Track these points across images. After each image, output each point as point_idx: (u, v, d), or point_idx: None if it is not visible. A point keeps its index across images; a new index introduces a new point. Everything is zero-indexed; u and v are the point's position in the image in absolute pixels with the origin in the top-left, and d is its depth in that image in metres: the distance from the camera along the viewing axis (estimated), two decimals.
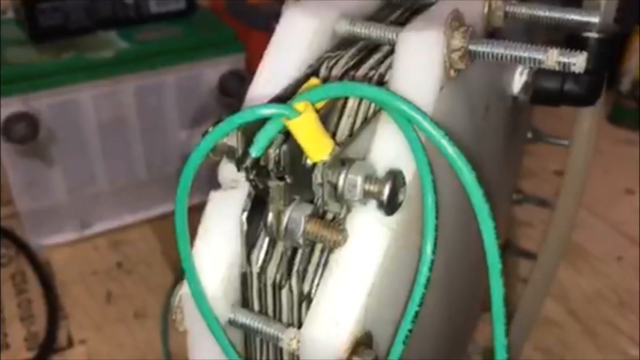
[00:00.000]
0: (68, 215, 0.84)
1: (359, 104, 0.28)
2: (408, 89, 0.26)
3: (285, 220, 0.26)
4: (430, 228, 0.24)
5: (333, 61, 0.30)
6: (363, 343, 0.26)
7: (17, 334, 0.74)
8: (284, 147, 0.25)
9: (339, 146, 0.26)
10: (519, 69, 0.41)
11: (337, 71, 0.30)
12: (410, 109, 0.24)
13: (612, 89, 1.11)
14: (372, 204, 0.26)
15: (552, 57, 0.26)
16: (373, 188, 0.25)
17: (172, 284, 0.81)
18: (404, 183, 0.26)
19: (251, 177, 0.26)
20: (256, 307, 0.29)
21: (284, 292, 0.28)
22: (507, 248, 0.65)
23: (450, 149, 0.24)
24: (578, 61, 0.26)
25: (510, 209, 0.68)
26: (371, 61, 0.30)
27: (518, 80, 0.41)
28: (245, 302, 0.29)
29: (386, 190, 0.25)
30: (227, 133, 0.26)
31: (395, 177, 0.25)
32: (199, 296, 0.28)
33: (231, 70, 0.84)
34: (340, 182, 0.25)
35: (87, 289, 0.80)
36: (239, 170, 0.26)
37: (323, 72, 0.30)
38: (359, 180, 0.25)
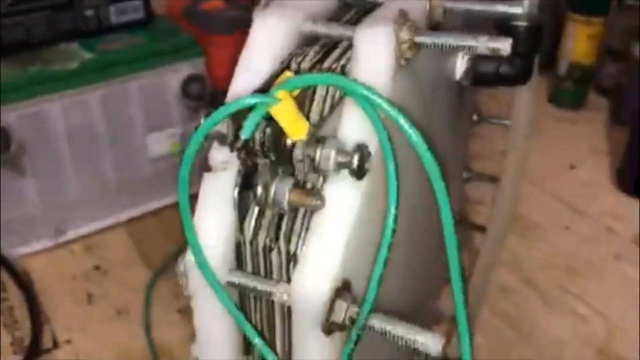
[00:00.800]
0: (42, 224, 0.86)
1: (327, 92, 0.33)
2: (367, 77, 0.32)
3: (272, 191, 0.31)
4: (393, 188, 0.30)
5: (301, 57, 0.35)
6: (344, 289, 0.32)
7: (3, 339, 0.77)
8: (268, 130, 0.30)
9: (314, 127, 0.31)
10: (460, 56, 0.47)
11: (305, 65, 0.35)
12: (370, 93, 0.29)
13: (552, 72, 1.19)
14: (344, 173, 0.31)
15: (483, 43, 0.32)
16: (344, 159, 0.30)
17: (171, 258, 0.85)
18: (369, 154, 0.31)
19: (242, 156, 0.30)
20: (249, 269, 0.34)
21: (274, 254, 0.33)
22: (461, 224, 0.71)
23: (405, 123, 0.29)
24: (504, 46, 0.32)
25: (462, 189, 0.74)
26: (333, 55, 0.35)
27: (460, 66, 0.47)
28: (239, 266, 0.34)
29: (355, 160, 0.30)
30: (218, 121, 0.30)
31: (362, 149, 0.31)
32: (202, 263, 0.33)
33: (192, 75, 0.88)
34: (317, 156, 0.31)
35: (67, 293, 0.83)
36: (232, 151, 0.31)
37: (293, 66, 0.35)
38: (333, 153, 0.30)
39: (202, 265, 0.33)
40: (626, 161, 0.98)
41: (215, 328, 0.36)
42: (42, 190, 0.84)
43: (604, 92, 1.20)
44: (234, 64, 1.06)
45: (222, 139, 0.32)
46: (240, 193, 0.33)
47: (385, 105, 0.29)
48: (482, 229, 0.70)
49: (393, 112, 0.29)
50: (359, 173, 0.31)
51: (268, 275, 0.34)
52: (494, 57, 0.50)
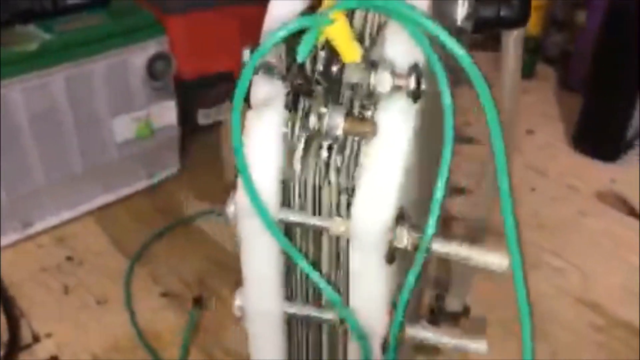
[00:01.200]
0: (8, 217, 0.82)
1: (365, 15, 0.33)
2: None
3: (325, 120, 0.31)
4: (448, 109, 0.30)
5: None
6: (402, 215, 0.32)
7: None
8: (322, 54, 0.29)
9: (365, 50, 0.31)
10: (460, 2, 0.48)
11: None
12: (420, 17, 0.29)
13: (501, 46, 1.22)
14: (396, 97, 0.31)
15: None
16: (401, 81, 0.30)
17: (147, 244, 0.82)
18: (422, 74, 0.31)
19: (298, 81, 0.30)
20: (297, 206, 0.33)
21: (324, 188, 0.33)
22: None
23: (458, 48, 0.29)
24: None
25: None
26: None
27: (461, 12, 0.48)
28: (285, 204, 0.33)
29: (412, 81, 0.30)
30: (274, 45, 0.29)
31: (417, 70, 0.30)
32: (256, 201, 0.32)
33: (157, 54, 0.85)
34: (372, 79, 0.30)
35: (40, 286, 0.79)
36: (285, 80, 0.30)
37: None
38: (388, 75, 0.30)
39: (256, 203, 0.32)
40: (581, 123, 1.02)
41: (264, 273, 0.35)
42: (5, 180, 0.80)
43: (551, 61, 1.25)
44: (190, 45, 1.03)
45: (268, 69, 0.31)
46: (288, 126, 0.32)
47: (436, 29, 0.29)
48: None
49: (443, 35, 0.29)
50: (415, 95, 0.31)
51: (316, 210, 0.33)
52: (494, 1, 0.51)
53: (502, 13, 0.48)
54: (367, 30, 0.32)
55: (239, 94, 0.30)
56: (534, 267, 0.85)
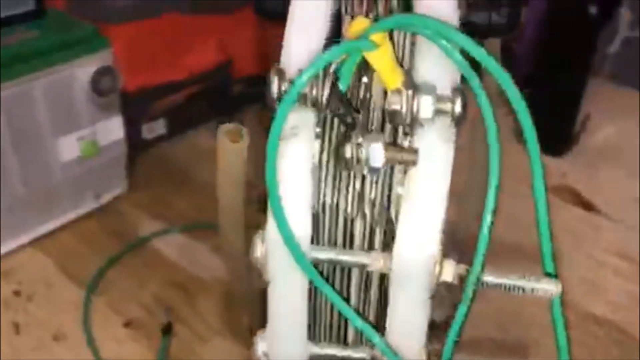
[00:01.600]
0: None
1: (404, 37, 0.30)
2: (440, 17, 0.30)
3: (364, 151, 0.28)
4: (492, 131, 0.28)
5: (349, 6, 0.32)
6: (447, 246, 0.30)
7: None
8: (364, 80, 0.27)
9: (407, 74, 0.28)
10: None
11: (358, 11, 0.32)
12: (463, 38, 0.27)
13: None
14: (434, 124, 0.29)
15: None
16: (444, 105, 0.28)
17: (102, 271, 0.76)
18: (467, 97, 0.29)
19: (341, 110, 0.27)
20: (326, 241, 0.31)
21: (357, 221, 0.30)
22: None
23: (496, 67, 0.27)
24: None
25: None
26: (380, 2, 0.33)
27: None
28: (313, 240, 0.31)
29: (458, 105, 0.28)
30: (318, 72, 0.27)
31: (462, 92, 0.29)
32: (289, 239, 0.29)
33: (102, 68, 0.80)
34: (415, 105, 0.28)
35: None
36: (328, 107, 0.27)
37: (344, 16, 0.32)
38: (431, 99, 0.28)
39: (289, 241, 0.29)
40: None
41: (292, 312, 0.32)
42: None
43: None
44: (132, 56, 0.98)
45: (303, 99, 0.28)
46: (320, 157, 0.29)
47: (479, 51, 0.28)
48: None
49: (485, 57, 0.27)
50: (460, 119, 0.29)
51: (347, 244, 0.31)
52: (485, 8, 0.50)
53: (493, 19, 0.47)
54: (398, 51, 0.30)
55: (276, 128, 0.27)
56: (517, 229, 0.85)
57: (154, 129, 0.98)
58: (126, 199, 0.91)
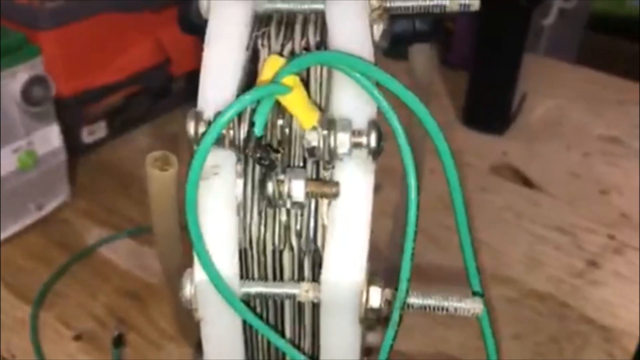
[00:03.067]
0: None
1: (321, 71, 0.31)
2: (352, 51, 0.30)
3: (286, 187, 0.29)
4: (409, 160, 0.29)
5: (264, 38, 0.32)
6: (373, 272, 0.31)
7: None
8: (280, 122, 0.27)
9: (322, 111, 0.29)
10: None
11: (275, 47, 0.32)
12: (376, 71, 0.28)
13: None
14: (353, 156, 0.30)
15: (454, 1, 0.32)
16: (360, 139, 0.29)
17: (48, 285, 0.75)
18: (382, 130, 0.30)
19: (258, 155, 0.27)
20: (256, 275, 0.31)
21: (285, 253, 0.31)
22: None
23: (418, 103, 0.28)
24: (475, 2, 0.32)
25: None
26: (297, 32, 0.33)
27: (376, 31, 0.47)
28: (242, 275, 0.31)
29: (373, 138, 0.29)
30: (229, 122, 0.27)
31: (377, 126, 0.29)
32: (216, 279, 0.29)
33: (32, 78, 0.78)
34: (332, 141, 0.29)
35: None
36: (245, 152, 0.28)
37: (261, 50, 0.32)
38: (348, 135, 0.29)
39: (217, 281, 0.29)
40: (469, 99, 1.06)
41: (227, 353, 0.32)
42: None
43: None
44: (65, 60, 0.96)
45: (219, 141, 0.28)
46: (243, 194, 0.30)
47: (393, 83, 0.28)
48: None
49: (403, 91, 0.28)
50: (376, 152, 0.29)
51: (277, 277, 0.31)
52: (406, 16, 0.51)
53: (417, 27, 0.48)
54: (314, 85, 0.31)
55: (194, 169, 0.27)
56: (445, 249, 0.87)
57: (94, 132, 0.97)
58: (70, 207, 0.90)
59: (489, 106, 1.06)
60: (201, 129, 0.29)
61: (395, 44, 0.49)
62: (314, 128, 0.29)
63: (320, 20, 0.33)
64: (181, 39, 1.00)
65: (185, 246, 0.42)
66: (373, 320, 0.29)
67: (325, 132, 0.28)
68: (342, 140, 0.29)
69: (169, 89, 1.00)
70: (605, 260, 0.86)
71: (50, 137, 0.85)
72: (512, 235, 0.90)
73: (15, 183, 0.82)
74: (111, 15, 0.92)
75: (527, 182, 0.98)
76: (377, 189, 0.51)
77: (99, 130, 0.96)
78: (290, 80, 0.28)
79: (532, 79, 1.12)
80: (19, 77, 0.77)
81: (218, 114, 0.27)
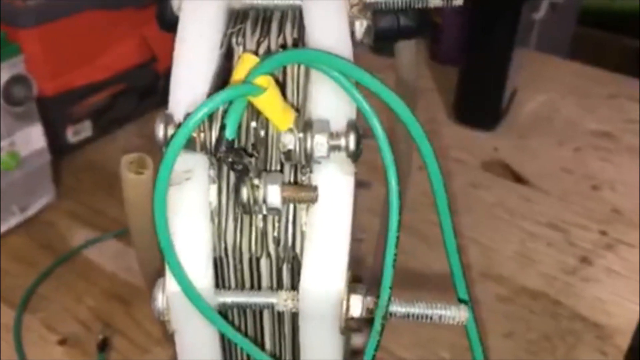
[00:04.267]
0: None
1: (298, 70, 0.29)
2: (329, 48, 0.29)
3: (262, 192, 0.28)
4: (390, 162, 0.27)
5: (239, 36, 0.31)
6: (354, 280, 0.29)
7: None
8: (253, 124, 0.26)
9: (299, 112, 0.28)
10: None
11: (250, 44, 0.31)
12: (355, 70, 0.27)
13: None
14: (331, 159, 0.28)
15: None
16: (339, 141, 0.28)
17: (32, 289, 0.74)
18: (360, 132, 0.28)
19: (230, 159, 0.26)
20: (232, 284, 0.30)
21: (262, 261, 0.30)
22: None
23: (400, 103, 0.27)
24: None
25: None
26: (273, 29, 0.32)
27: (359, 26, 0.45)
28: (218, 284, 0.30)
29: (352, 141, 0.28)
30: (199, 124, 0.26)
31: (355, 128, 0.28)
32: (188, 289, 0.28)
33: (13, 77, 0.77)
34: (309, 144, 0.27)
35: None
36: (216, 156, 0.26)
37: (235, 48, 0.31)
38: (325, 138, 0.27)
39: (190, 292, 0.28)
40: (459, 95, 1.05)
41: None
42: None
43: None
44: (48, 58, 0.95)
45: (190, 145, 0.27)
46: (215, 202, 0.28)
47: (375, 82, 0.27)
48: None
49: (384, 90, 0.27)
50: (355, 155, 0.28)
51: (255, 286, 0.30)
52: (390, 12, 0.49)
53: (402, 23, 0.47)
54: (291, 85, 0.29)
55: (162, 177, 0.26)
56: (436, 247, 0.86)
57: (80, 131, 0.95)
58: (55, 209, 0.89)
59: (479, 102, 1.05)
60: (170, 132, 0.27)
61: (379, 40, 0.48)
62: (290, 130, 0.27)
63: (298, 17, 0.32)
64: (167, 36, 0.99)
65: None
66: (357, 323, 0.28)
67: (301, 134, 0.27)
68: (320, 143, 0.27)
69: (156, 87, 0.99)
70: (598, 256, 0.85)
71: (33, 138, 0.83)
72: (504, 232, 0.89)
73: None
74: (95, 12, 0.90)
75: (518, 178, 0.97)
76: (367, 186, 0.50)
77: (84, 129, 0.95)
78: (264, 80, 0.26)
79: (523, 74, 1.10)
80: None
81: (188, 116, 0.26)
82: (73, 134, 0.94)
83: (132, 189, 0.36)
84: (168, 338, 0.72)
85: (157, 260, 0.39)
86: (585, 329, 0.75)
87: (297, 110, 0.28)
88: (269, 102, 0.26)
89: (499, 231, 0.90)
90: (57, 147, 0.90)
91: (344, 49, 0.29)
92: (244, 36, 0.31)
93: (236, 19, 0.32)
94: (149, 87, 0.99)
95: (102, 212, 0.89)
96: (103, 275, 0.80)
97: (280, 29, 0.32)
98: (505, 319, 0.78)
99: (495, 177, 0.98)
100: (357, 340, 0.48)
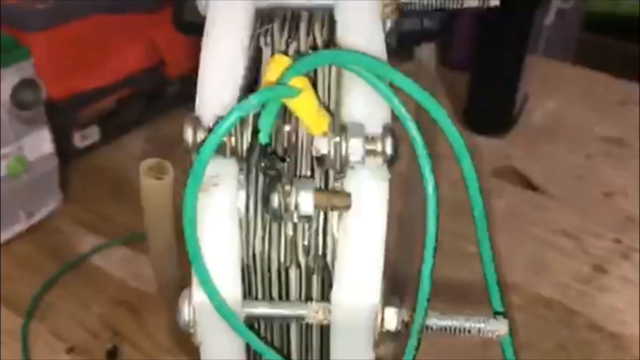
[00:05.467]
0: None
1: (329, 72, 0.28)
2: (363, 49, 0.28)
3: (293, 199, 0.26)
4: (429, 173, 0.26)
5: (267, 36, 0.30)
6: (389, 292, 0.28)
7: None
8: (287, 128, 0.25)
9: (332, 115, 0.26)
10: None
11: (279, 45, 0.30)
12: (392, 73, 0.26)
13: None
14: (366, 164, 0.27)
15: None
16: (375, 146, 0.26)
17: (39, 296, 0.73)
18: (398, 136, 0.27)
19: (263, 164, 0.25)
20: (260, 295, 0.29)
21: (292, 270, 0.28)
22: None
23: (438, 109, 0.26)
24: None
25: None
26: (302, 30, 0.31)
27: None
28: (245, 294, 0.29)
29: (389, 145, 0.26)
30: (232, 127, 0.24)
31: (392, 132, 0.27)
32: (216, 299, 0.27)
33: (22, 81, 0.75)
34: (344, 149, 0.26)
35: None
36: (249, 161, 0.25)
37: (263, 48, 0.30)
38: (361, 142, 0.26)
39: (218, 303, 0.27)
40: (471, 101, 1.04)
41: None
42: None
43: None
44: (56, 62, 0.94)
45: (219, 149, 0.26)
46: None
47: (411, 86, 0.26)
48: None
49: (421, 93, 0.26)
50: (392, 160, 0.27)
51: (283, 296, 0.29)
52: (414, 14, 0.48)
53: (425, 25, 0.46)
54: (323, 86, 0.28)
55: (192, 185, 0.24)
56: (450, 255, 0.84)
57: (87, 136, 0.94)
58: (62, 214, 0.87)
59: (491, 108, 1.04)
60: (200, 136, 0.26)
61: (403, 42, 0.47)
62: (324, 134, 0.26)
63: (327, 17, 0.31)
64: (175, 39, 0.98)
65: (181, 256, 0.39)
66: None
67: (336, 138, 0.26)
68: (355, 147, 0.26)
69: (164, 92, 0.98)
70: (612, 265, 0.84)
71: (41, 143, 0.82)
72: (517, 240, 0.88)
73: (5, 190, 0.79)
74: (103, 16, 0.89)
75: (530, 185, 0.96)
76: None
77: (92, 134, 0.94)
78: (299, 81, 0.25)
79: (533, 80, 1.09)
80: (8, 80, 0.74)
81: (219, 120, 0.25)
82: (80, 139, 0.93)
83: (151, 195, 0.35)
84: (178, 347, 0.71)
85: (174, 267, 0.38)
86: (602, 340, 0.74)
87: (330, 112, 0.27)
88: (304, 105, 0.25)
89: (512, 239, 0.89)
90: (64, 152, 0.89)
91: (379, 50, 0.28)
92: (272, 36, 0.30)
93: (263, 19, 0.31)
94: (157, 91, 0.98)
95: (109, 218, 0.87)
96: (111, 282, 0.79)
97: (309, 29, 0.31)
98: (520, 328, 0.77)
99: (507, 184, 0.97)
100: (381, 351, 0.47)
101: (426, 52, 0.50)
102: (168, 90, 0.99)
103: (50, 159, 0.84)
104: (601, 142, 1.06)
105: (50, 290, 0.77)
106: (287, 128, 0.26)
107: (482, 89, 1.03)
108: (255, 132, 0.25)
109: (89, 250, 0.82)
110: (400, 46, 0.49)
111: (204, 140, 0.25)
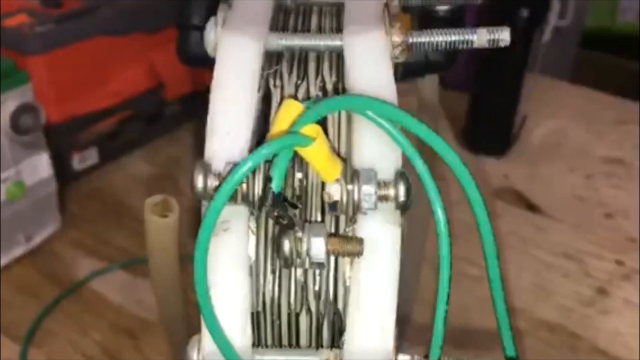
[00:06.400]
0: None
1: (339, 116, 0.28)
2: (373, 92, 0.27)
3: (305, 245, 0.26)
4: (442, 217, 0.26)
5: (276, 78, 0.30)
6: (399, 338, 0.28)
7: None
8: (299, 175, 0.25)
9: (344, 161, 0.26)
10: None
11: (288, 87, 0.29)
12: (405, 118, 0.25)
13: None
14: (378, 209, 0.27)
15: (482, 36, 0.29)
16: (387, 192, 0.26)
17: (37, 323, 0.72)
18: (410, 182, 0.27)
19: (276, 213, 0.25)
20: (269, 342, 0.28)
21: (302, 317, 0.28)
22: None
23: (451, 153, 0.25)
24: (505, 35, 0.29)
25: None
26: (311, 71, 0.30)
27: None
28: (254, 342, 0.28)
29: (402, 191, 0.26)
30: (243, 178, 0.24)
31: (405, 177, 0.26)
32: (228, 351, 0.26)
33: (21, 106, 0.75)
34: (356, 195, 0.26)
35: None
36: (261, 209, 0.25)
37: (273, 90, 0.29)
38: (373, 188, 0.26)
39: (228, 352, 0.26)
40: (470, 121, 1.04)
41: None
42: None
43: None
44: (56, 85, 0.93)
45: (233, 196, 0.26)
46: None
47: (427, 132, 0.25)
48: None
49: (435, 139, 0.25)
50: (405, 206, 0.27)
51: (293, 344, 0.28)
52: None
53: (431, 57, 0.45)
54: (332, 130, 0.28)
55: (204, 234, 0.24)
56: (453, 279, 0.84)
57: (86, 158, 0.94)
58: (60, 238, 0.87)
59: (490, 128, 1.04)
60: (211, 183, 0.26)
61: (408, 74, 0.47)
62: (337, 180, 0.26)
63: (335, 58, 0.30)
64: (174, 62, 0.97)
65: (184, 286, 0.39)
66: None
67: (349, 186, 0.26)
68: (367, 194, 0.26)
69: (162, 113, 0.97)
70: (615, 287, 0.83)
71: (40, 167, 0.82)
72: (518, 263, 0.87)
73: (3, 214, 0.79)
74: (102, 39, 0.89)
75: (531, 206, 0.96)
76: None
77: (90, 156, 0.93)
78: (312, 129, 0.25)
79: (531, 99, 1.09)
80: (7, 105, 0.74)
81: (232, 169, 0.25)
82: (79, 161, 0.92)
83: (156, 232, 0.34)
84: None
85: (177, 302, 0.38)
86: None
87: (341, 157, 0.27)
88: (317, 153, 0.25)
89: (514, 261, 0.88)
90: (63, 174, 0.88)
91: (391, 94, 0.28)
92: (281, 78, 0.30)
93: (271, 59, 0.31)
94: (156, 113, 0.98)
95: (108, 242, 0.87)
96: (110, 307, 0.78)
97: (318, 70, 0.30)
98: (524, 352, 0.76)
99: (507, 205, 0.97)
100: None
101: (429, 85, 0.50)
102: (167, 112, 0.99)
103: (49, 183, 0.84)
104: (601, 162, 1.06)
105: (48, 316, 0.76)
106: (299, 175, 0.26)
107: (481, 109, 1.03)
108: (267, 179, 0.25)
109: (88, 275, 0.81)
110: (404, 79, 0.48)
111: (216, 188, 0.25)
